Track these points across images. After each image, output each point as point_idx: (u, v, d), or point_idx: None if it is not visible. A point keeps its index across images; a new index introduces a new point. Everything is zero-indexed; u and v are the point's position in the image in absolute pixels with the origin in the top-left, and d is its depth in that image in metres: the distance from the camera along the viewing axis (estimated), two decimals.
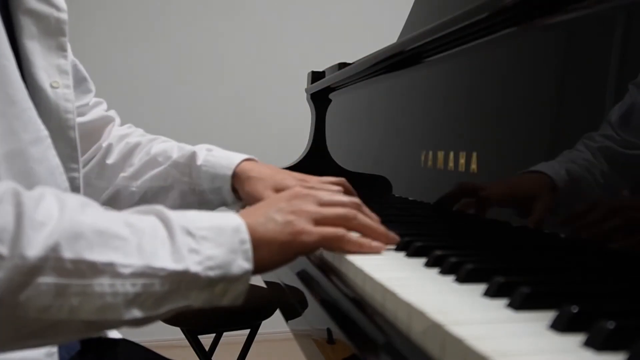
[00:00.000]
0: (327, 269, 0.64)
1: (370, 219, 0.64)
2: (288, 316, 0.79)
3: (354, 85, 1.25)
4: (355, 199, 0.64)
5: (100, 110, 0.98)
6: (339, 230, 0.59)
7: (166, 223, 0.50)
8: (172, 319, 1.58)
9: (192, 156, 0.91)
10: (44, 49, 0.71)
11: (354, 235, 0.61)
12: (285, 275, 0.78)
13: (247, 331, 1.71)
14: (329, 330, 0.55)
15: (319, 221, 0.59)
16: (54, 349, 0.66)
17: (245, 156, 0.90)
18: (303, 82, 1.58)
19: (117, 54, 2.48)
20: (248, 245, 0.52)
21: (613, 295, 0.45)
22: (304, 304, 0.66)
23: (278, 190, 0.80)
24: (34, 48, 0.70)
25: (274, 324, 1.62)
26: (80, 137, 0.78)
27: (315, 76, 1.50)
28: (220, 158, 0.89)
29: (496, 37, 0.72)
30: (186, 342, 1.64)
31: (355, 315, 0.51)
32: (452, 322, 0.37)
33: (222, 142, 2.76)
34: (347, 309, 0.53)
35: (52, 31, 0.72)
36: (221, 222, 0.53)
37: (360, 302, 0.52)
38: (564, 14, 0.60)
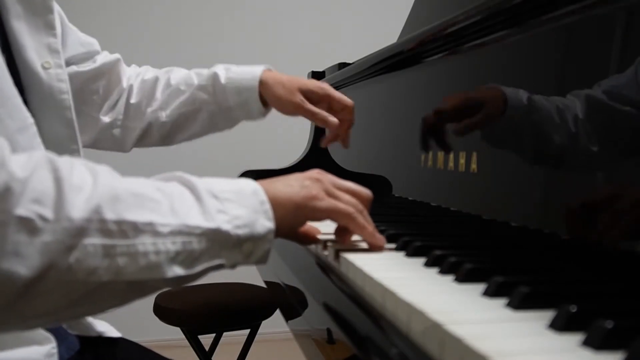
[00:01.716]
0: (327, 269, 0.65)
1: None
2: (288, 316, 0.80)
3: (354, 85, 1.25)
4: (367, 192, 0.64)
5: (106, 54, 1.00)
6: (349, 208, 0.60)
7: (191, 188, 0.52)
8: (172, 319, 1.58)
9: (215, 77, 0.95)
10: (32, 28, 0.70)
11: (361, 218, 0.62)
12: (285, 275, 0.79)
13: (247, 331, 1.71)
14: (329, 330, 0.55)
15: (331, 195, 0.60)
16: (54, 349, 0.66)
17: (264, 66, 0.95)
18: None
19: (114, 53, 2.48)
20: (268, 206, 0.54)
21: (611, 295, 0.45)
22: (304, 304, 0.66)
23: (304, 91, 0.91)
24: (21, 28, 0.69)
25: (274, 324, 1.62)
26: (98, 80, 0.84)
27: (315, 76, 1.50)
28: (241, 72, 0.95)
29: (496, 37, 0.72)
30: (186, 342, 1.64)
31: (355, 315, 0.51)
32: (452, 322, 0.37)
33: (222, 142, 2.75)
34: (347, 308, 0.53)
35: (38, 9, 0.71)
36: (240, 186, 0.54)
37: (360, 302, 0.52)
38: (564, 14, 0.60)
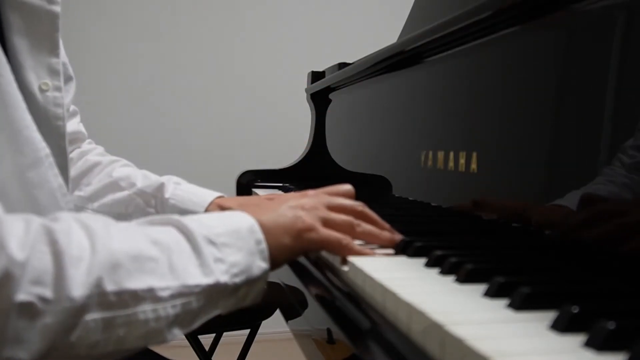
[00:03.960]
0: (327, 269, 0.64)
1: (376, 223, 0.64)
2: (288, 316, 0.79)
3: (354, 85, 1.25)
4: (359, 203, 0.64)
5: (74, 124, 0.93)
6: (345, 238, 0.59)
7: (187, 235, 0.50)
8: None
9: (160, 188, 0.88)
10: (34, 46, 0.65)
11: (357, 244, 0.61)
12: (285, 275, 0.78)
13: (247, 331, 1.71)
14: (329, 330, 0.55)
15: (327, 222, 0.59)
16: None
17: (217, 194, 0.88)
18: (303, 82, 1.58)
19: (112, 55, 2.48)
20: (264, 245, 0.53)
21: (613, 296, 0.45)
22: (304, 304, 0.66)
23: None
24: (22, 46, 0.64)
25: (274, 324, 1.62)
26: None
27: (315, 76, 1.50)
28: (190, 193, 0.87)
29: (496, 37, 0.72)
30: (186, 342, 1.64)
31: (356, 315, 0.51)
32: (452, 322, 0.37)
33: (222, 142, 2.75)
34: (347, 309, 0.53)
35: (43, 26, 0.65)
36: (235, 225, 0.53)
37: (360, 302, 0.52)
38: (564, 14, 0.60)
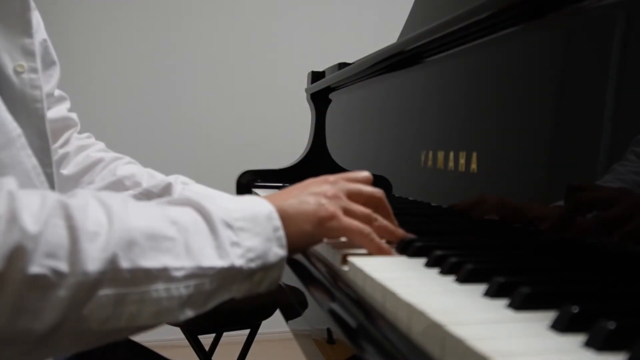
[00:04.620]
0: (327, 269, 0.64)
1: (389, 217, 0.65)
2: (288, 316, 0.79)
3: (354, 85, 1.25)
4: (378, 190, 0.64)
5: (63, 109, 0.90)
6: (366, 228, 0.60)
7: (205, 217, 0.51)
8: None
9: (167, 188, 0.87)
10: (5, 27, 0.63)
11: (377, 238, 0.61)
12: (285, 275, 0.78)
13: (247, 331, 1.71)
14: (329, 330, 0.55)
15: (347, 212, 0.59)
16: None
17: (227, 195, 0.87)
18: (303, 82, 1.58)
19: (112, 55, 2.48)
20: (281, 232, 0.53)
21: (614, 295, 0.45)
22: (304, 304, 0.66)
23: None
24: None
25: (274, 324, 1.62)
26: None
27: (315, 76, 1.50)
28: (198, 195, 0.82)
29: (496, 37, 0.72)
30: (186, 342, 1.64)
31: (355, 315, 0.51)
32: (452, 322, 0.37)
33: (223, 142, 2.75)
34: (347, 309, 0.53)
35: (13, 6, 0.64)
36: (254, 210, 0.53)
37: (361, 302, 0.52)
38: (564, 14, 0.60)
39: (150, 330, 0.49)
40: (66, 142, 0.90)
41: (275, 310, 1.61)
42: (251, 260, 0.51)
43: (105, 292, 0.44)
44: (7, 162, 0.58)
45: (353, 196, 0.62)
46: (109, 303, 0.44)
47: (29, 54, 0.65)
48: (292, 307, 0.72)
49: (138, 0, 2.49)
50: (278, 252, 0.53)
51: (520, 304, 0.41)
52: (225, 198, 0.55)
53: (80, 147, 0.91)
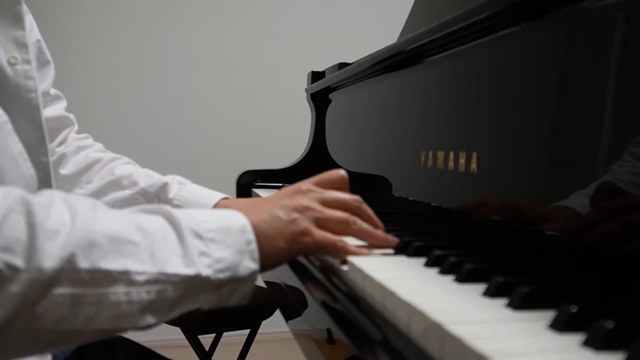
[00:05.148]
0: (327, 269, 0.64)
1: (370, 220, 0.63)
2: (288, 316, 0.79)
3: (354, 85, 1.25)
4: (356, 197, 0.63)
5: (60, 108, 0.91)
6: (340, 240, 0.59)
7: (175, 226, 0.50)
8: (171, 319, 1.57)
9: (163, 187, 0.87)
10: None
11: (352, 244, 0.60)
12: (285, 275, 0.78)
13: (247, 331, 1.71)
14: (329, 330, 0.55)
15: (321, 221, 0.58)
16: None
17: (222, 195, 0.86)
18: (303, 82, 1.58)
19: (112, 55, 2.48)
20: (254, 246, 0.52)
21: (612, 295, 0.45)
22: (304, 304, 0.66)
23: None
24: None
25: (274, 324, 1.62)
26: None
27: (315, 76, 1.50)
28: (194, 194, 0.86)
29: (496, 37, 0.72)
30: (186, 342, 1.64)
31: (355, 315, 0.51)
32: (452, 322, 0.37)
33: (223, 142, 2.74)
34: (347, 308, 0.53)
35: (4, 0, 0.66)
36: (227, 222, 0.52)
37: (360, 302, 0.52)
38: (564, 14, 0.60)
39: (109, 335, 0.48)
40: (63, 141, 0.91)
41: (275, 310, 1.61)
42: (220, 271, 0.50)
43: (61, 291, 0.43)
44: None
45: (328, 204, 0.60)
46: (64, 303, 0.43)
47: (21, 45, 0.67)
48: (292, 307, 0.72)
49: (138, 1, 2.49)
50: (249, 265, 0.52)
51: (519, 304, 0.41)
52: (202, 210, 0.54)
53: (79, 148, 0.92)
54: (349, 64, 1.27)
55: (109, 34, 2.48)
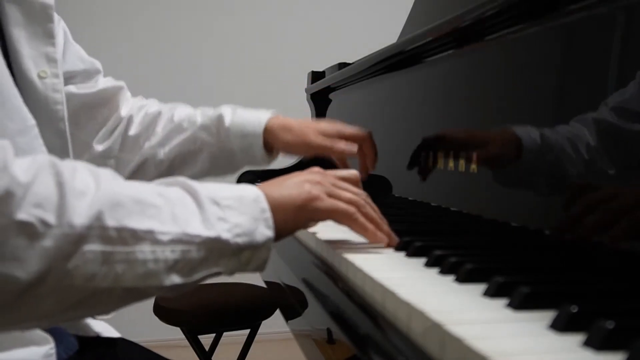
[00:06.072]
0: (327, 269, 0.64)
1: (376, 215, 0.65)
2: (288, 316, 0.79)
3: (354, 85, 1.25)
4: (363, 193, 0.66)
5: (109, 80, 0.99)
6: (351, 208, 0.61)
7: (192, 194, 0.52)
8: (172, 319, 1.58)
9: (220, 118, 0.94)
10: (30, 36, 0.70)
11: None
12: (285, 275, 0.78)
13: (247, 331, 1.71)
14: (329, 330, 0.55)
15: (332, 195, 0.61)
16: (52, 350, 0.66)
17: (271, 112, 0.95)
18: (303, 82, 1.58)
19: (112, 55, 2.48)
20: (268, 214, 0.54)
21: (612, 295, 0.45)
22: (304, 304, 0.66)
23: (315, 132, 0.89)
24: (20, 36, 0.69)
25: (274, 324, 1.62)
26: (96, 106, 0.84)
27: (315, 76, 1.50)
28: (247, 117, 0.94)
29: (496, 37, 0.72)
30: (186, 342, 1.64)
31: (355, 315, 0.51)
32: (452, 322, 0.37)
33: None
34: (347, 308, 0.53)
35: (38, 17, 0.71)
36: (241, 192, 0.54)
37: (360, 302, 0.52)
38: (565, 14, 0.60)
39: (134, 300, 0.49)
40: (125, 105, 0.97)
41: (275, 310, 1.61)
42: (238, 235, 0.51)
43: (91, 247, 0.44)
44: (24, 147, 0.63)
45: (342, 186, 0.63)
46: (95, 259, 0.44)
47: (51, 61, 0.72)
48: (292, 307, 0.73)
49: (137, 2, 2.49)
50: (265, 232, 0.53)
51: (519, 304, 0.41)
52: (216, 184, 0.56)
53: (140, 107, 0.99)
54: (349, 64, 1.27)
55: (109, 33, 2.48)
